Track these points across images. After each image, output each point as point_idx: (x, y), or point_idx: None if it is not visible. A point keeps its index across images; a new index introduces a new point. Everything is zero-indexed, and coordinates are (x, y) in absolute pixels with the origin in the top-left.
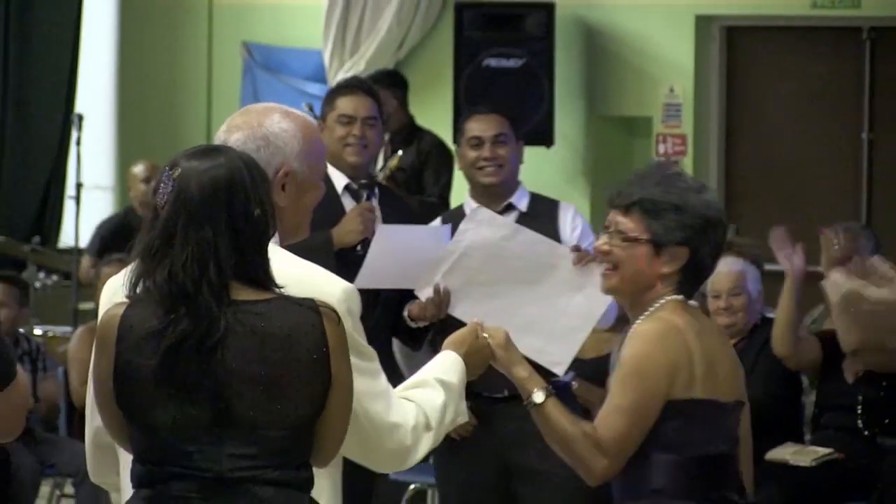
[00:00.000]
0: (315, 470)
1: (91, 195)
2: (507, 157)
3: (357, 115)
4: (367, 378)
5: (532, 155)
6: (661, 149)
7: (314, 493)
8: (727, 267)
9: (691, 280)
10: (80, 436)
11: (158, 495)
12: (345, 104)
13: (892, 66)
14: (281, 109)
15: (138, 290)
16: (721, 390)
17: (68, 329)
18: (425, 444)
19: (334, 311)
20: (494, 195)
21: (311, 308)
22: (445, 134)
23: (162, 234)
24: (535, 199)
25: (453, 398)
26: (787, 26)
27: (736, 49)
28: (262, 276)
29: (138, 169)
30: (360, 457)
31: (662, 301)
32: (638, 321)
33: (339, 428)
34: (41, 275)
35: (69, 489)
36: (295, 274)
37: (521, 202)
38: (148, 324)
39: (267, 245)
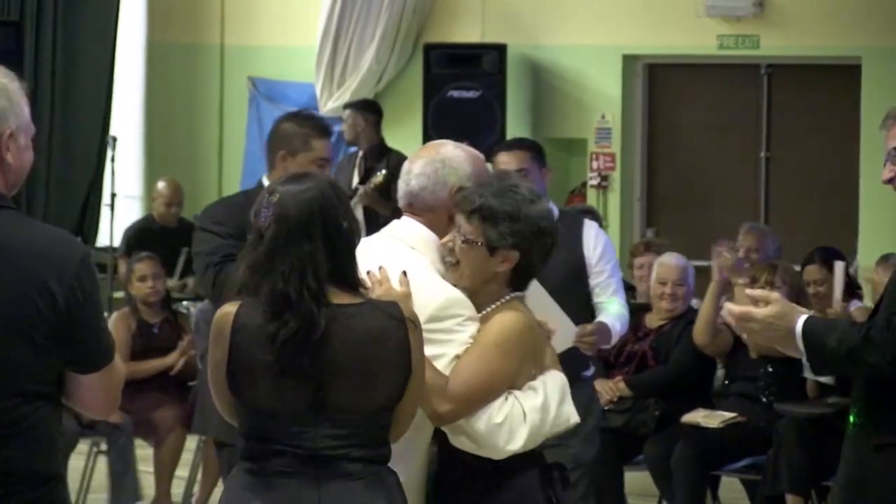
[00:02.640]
0: (409, 445)
1: (123, 203)
2: None
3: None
4: None
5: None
6: (594, 165)
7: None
8: (674, 261)
9: (522, 277)
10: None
11: (260, 469)
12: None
13: (785, 96)
14: None
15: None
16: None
17: (104, 315)
18: (522, 432)
19: (413, 316)
20: None
21: (395, 312)
22: None
23: (266, 251)
24: (563, 215)
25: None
26: (698, 63)
27: (656, 82)
28: (352, 279)
29: (161, 185)
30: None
31: (508, 297)
32: (489, 310)
33: (411, 411)
34: None
35: (104, 447)
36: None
37: None
38: (258, 323)
39: (355, 252)
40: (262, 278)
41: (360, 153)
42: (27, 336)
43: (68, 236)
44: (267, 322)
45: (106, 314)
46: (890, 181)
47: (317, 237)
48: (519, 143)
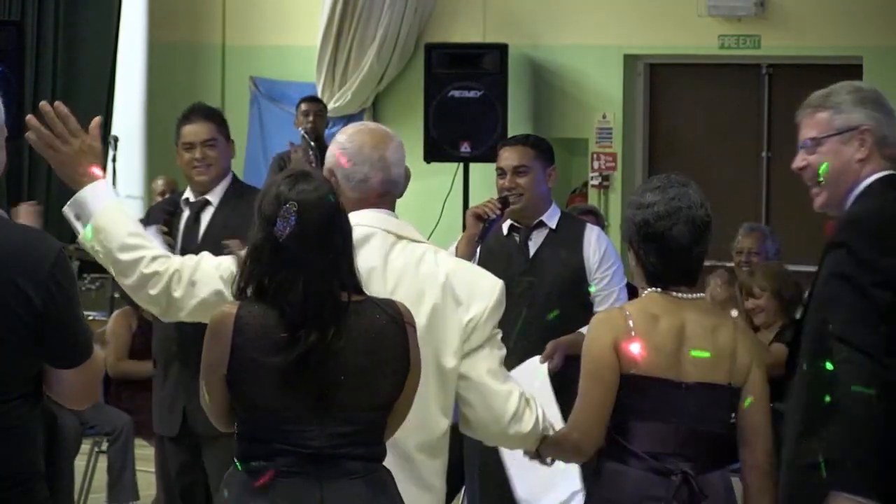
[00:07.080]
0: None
1: (124, 203)
2: (526, 186)
3: (196, 140)
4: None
5: (489, 169)
6: (596, 165)
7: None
8: None
9: (652, 279)
10: (115, 402)
11: (261, 469)
12: (186, 132)
13: (786, 96)
14: None
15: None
16: (669, 368)
17: (105, 314)
18: (528, 420)
19: (409, 315)
20: (522, 216)
21: (394, 311)
22: (418, 152)
23: (293, 260)
24: (565, 218)
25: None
26: (699, 63)
27: (657, 82)
28: (357, 281)
29: (158, 184)
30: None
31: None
32: None
33: (407, 410)
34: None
35: (106, 446)
36: (453, 268)
37: (552, 220)
38: (261, 324)
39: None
40: (282, 287)
41: (313, 143)
42: (3, 339)
43: (41, 235)
44: (286, 331)
45: (107, 313)
46: (801, 170)
47: (338, 244)
48: (523, 139)
